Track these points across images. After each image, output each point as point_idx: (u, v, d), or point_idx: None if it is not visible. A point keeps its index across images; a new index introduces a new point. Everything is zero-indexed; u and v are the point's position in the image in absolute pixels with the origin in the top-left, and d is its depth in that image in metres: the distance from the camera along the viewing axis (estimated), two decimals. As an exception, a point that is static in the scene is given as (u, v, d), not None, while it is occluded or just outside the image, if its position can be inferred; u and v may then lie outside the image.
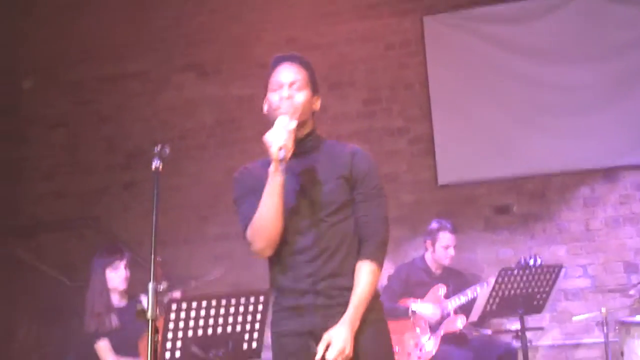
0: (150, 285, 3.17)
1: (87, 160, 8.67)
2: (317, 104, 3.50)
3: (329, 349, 3.14)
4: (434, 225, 6.63)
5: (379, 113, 7.88)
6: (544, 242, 7.39)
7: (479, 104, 7.61)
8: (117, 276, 5.71)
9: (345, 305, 3.25)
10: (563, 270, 5.67)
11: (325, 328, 3.22)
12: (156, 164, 3.40)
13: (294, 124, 3.25)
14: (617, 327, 5.64)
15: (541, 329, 6.57)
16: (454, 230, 6.59)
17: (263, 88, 3.52)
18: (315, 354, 3.18)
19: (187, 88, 8.49)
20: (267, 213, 3.23)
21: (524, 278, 5.46)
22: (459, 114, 7.65)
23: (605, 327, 5.65)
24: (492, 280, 5.66)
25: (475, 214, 7.55)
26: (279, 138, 3.16)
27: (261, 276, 7.93)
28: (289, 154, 3.17)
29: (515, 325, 6.02)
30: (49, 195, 8.69)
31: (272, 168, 3.19)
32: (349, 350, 3.15)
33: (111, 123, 8.66)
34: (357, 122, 7.72)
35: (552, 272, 5.55)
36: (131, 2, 8.71)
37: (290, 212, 3.26)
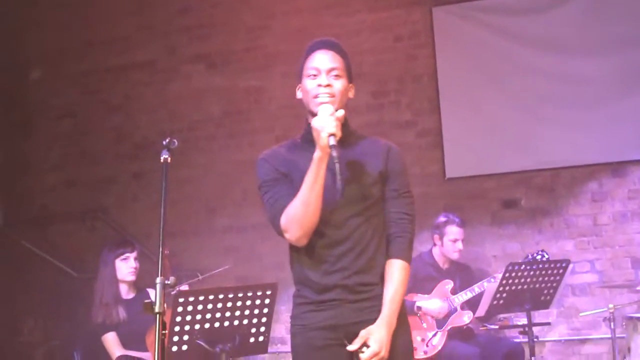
0: (158, 279, 3.17)
1: (95, 151, 8.67)
2: (352, 92, 3.39)
3: (365, 349, 3.11)
4: (442, 219, 6.62)
5: (387, 106, 7.87)
6: (551, 236, 7.38)
7: (488, 96, 7.59)
8: (126, 267, 5.74)
9: (371, 300, 3.23)
10: (571, 265, 5.65)
11: (353, 323, 3.19)
12: (164, 156, 3.40)
13: (342, 112, 3.20)
14: (624, 323, 5.62)
15: (548, 324, 6.54)
16: (462, 224, 6.57)
17: (297, 73, 3.43)
18: (346, 348, 3.15)
19: (195, 79, 8.48)
20: (309, 200, 3.14)
21: (531, 273, 5.46)
22: (468, 106, 7.63)
23: (612, 323, 5.62)
24: (499, 275, 5.66)
25: (483, 208, 7.54)
26: (329, 125, 3.09)
27: (268, 269, 8.02)
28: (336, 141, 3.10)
29: (522, 321, 6.00)
30: (57, 186, 8.70)
31: (318, 154, 3.11)
32: (384, 353, 3.11)
33: (119, 113, 8.66)
34: (366, 115, 7.69)
35: (560, 267, 5.54)
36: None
37: (324, 204, 3.17)
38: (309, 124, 3.28)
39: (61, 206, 8.62)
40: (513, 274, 5.40)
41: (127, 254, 5.75)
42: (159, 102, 8.53)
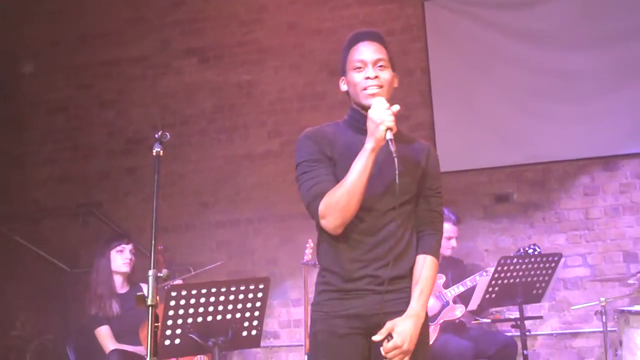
0: (151, 272, 3.17)
1: (88, 146, 8.67)
2: (396, 82, 3.39)
3: (389, 340, 3.11)
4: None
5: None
6: (543, 230, 7.40)
7: (480, 90, 7.61)
8: (122, 258, 5.76)
9: (398, 292, 3.25)
10: (562, 259, 5.66)
11: (377, 314, 3.18)
12: (157, 149, 3.40)
13: (397, 107, 3.18)
14: (615, 317, 5.64)
15: (540, 317, 6.56)
16: (457, 222, 6.55)
17: (340, 66, 3.43)
18: (370, 338, 3.16)
19: (187, 73, 8.47)
20: (354, 190, 3.10)
21: (524, 267, 5.46)
22: (460, 100, 7.65)
23: (604, 317, 5.65)
24: (491, 269, 5.66)
25: (475, 202, 7.56)
26: (387, 119, 3.08)
27: (261, 264, 8.03)
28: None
29: (514, 314, 6.01)
30: (50, 181, 8.70)
31: (370, 145, 3.09)
32: (407, 346, 3.11)
33: (112, 108, 8.66)
34: (358, 109, 7.69)
35: (552, 260, 5.54)
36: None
37: (368, 192, 3.15)
38: (354, 109, 3.34)
39: (54, 201, 8.62)
40: (505, 268, 5.40)
41: (123, 246, 5.79)
42: (152, 96, 8.53)
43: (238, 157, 8.18)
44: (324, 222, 3.19)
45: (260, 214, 8.04)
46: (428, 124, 7.70)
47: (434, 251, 3.33)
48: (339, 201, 3.12)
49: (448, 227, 6.49)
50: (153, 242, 3.25)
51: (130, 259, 5.80)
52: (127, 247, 5.81)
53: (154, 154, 3.40)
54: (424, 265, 3.28)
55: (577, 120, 7.33)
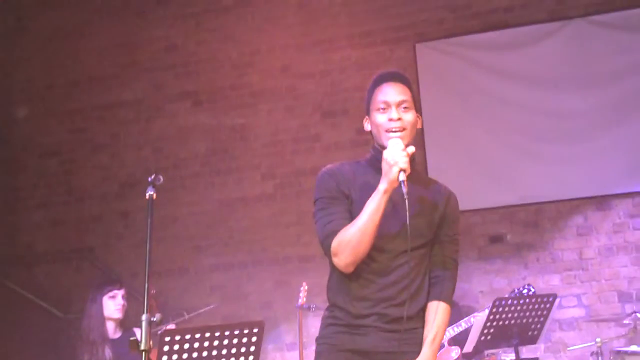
0: (144, 317, 3.15)
1: (81, 189, 8.66)
2: (420, 123, 3.45)
3: None
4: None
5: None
6: (537, 271, 7.39)
7: (472, 131, 7.64)
8: (114, 304, 5.70)
9: (406, 333, 3.24)
10: (557, 299, 5.64)
11: (384, 352, 3.22)
12: (150, 192, 3.40)
13: (412, 148, 3.22)
14: (612, 357, 5.62)
15: (536, 359, 6.54)
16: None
17: (365, 106, 3.45)
18: None
19: (181, 116, 8.50)
20: (367, 229, 3.12)
21: (518, 308, 5.43)
22: (452, 142, 7.68)
23: (600, 357, 5.62)
24: (486, 311, 5.64)
25: (469, 243, 7.54)
26: (401, 160, 3.09)
27: (255, 308, 7.98)
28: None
29: (510, 356, 5.98)
30: (44, 224, 8.67)
31: (383, 186, 3.11)
32: None
33: (105, 152, 8.66)
34: (351, 151, 7.70)
35: (547, 301, 5.52)
36: (124, 30, 8.75)
37: (381, 233, 3.17)
38: (376, 149, 3.35)
39: (47, 245, 8.60)
40: (500, 309, 5.38)
41: (115, 291, 5.72)
42: (145, 140, 8.54)
43: (232, 200, 8.18)
44: (335, 260, 3.21)
45: (254, 257, 8.02)
46: (420, 165, 7.71)
47: (447, 298, 3.34)
48: (351, 240, 3.15)
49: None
50: (146, 285, 3.24)
51: (123, 305, 5.74)
52: (120, 293, 5.75)
53: (147, 197, 3.40)
54: (437, 311, 3.30)
55: (569, 160, 7.36)
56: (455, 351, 6.26)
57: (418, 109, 3.40)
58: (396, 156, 3.10)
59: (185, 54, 8.57)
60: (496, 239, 7.53)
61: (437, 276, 3.35)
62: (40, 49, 8.92)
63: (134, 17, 8.76)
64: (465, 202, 7.45)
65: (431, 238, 3.33)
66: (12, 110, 8.93)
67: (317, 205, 3.33)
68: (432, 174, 7.61)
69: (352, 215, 3.23)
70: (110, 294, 5.71)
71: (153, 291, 5.76)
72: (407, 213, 3.05)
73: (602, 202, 7.36)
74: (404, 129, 3.27)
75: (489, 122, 7.62)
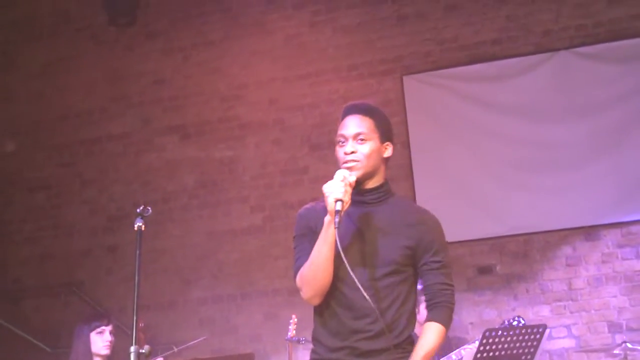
0: (132, 348, 3.14)
1: (69, 224, 8.63)
2: (388, 151, 3.42)
3: None
4: (418, 286, 6.58)
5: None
6: (527, 302, 7.38)
7: (460, 163, 7.66)
8: (101, 340, 5.65)
9: None
10: (547, 330, 5.64)
11: None
12: (139, 223, 3.42)
13: (353, 177, 3.22)
14: (602, 388, 5.61)
15: (527, 390, 6.50)
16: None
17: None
18: None
19: (169, 150, 8.50)
20: (317, 262, 3.21)
21: (509, 339, 5.42)
22: (440, 173, 7.69)
23: (591, 388, 5.61)
24: (476, 342, 5.63)
25: (458, 275, 7.52)
26: (336, 190, 3.14)
27: (245, 341, 7.94)
28: (346, 207, 3.15)
29: (501, 387, 5.95)
30: (32, 259, 8.63)
31: (327, 218, 3.17)
32: None
33: (93, 186, 8.65)
34: (339, 183, 7.72)
35: (536, 332, 5.51)
36: (112, 65, 8.78)
37: (346, 266, 3.14)
38: None
39: (35, 280, 8.55)
40: (490, 340, 5.36)
41: (103, 327, 5.67)
42: (133, 173, 8.54)
43: (220, 232, 8.16)
44: (301, 294, 3.31)
45: (243, 290, 8.00)
46: (409, 197, 7.72)
47: (444, 320, 3.33)
48: (307, 274, 3.27)
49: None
50: (135, 317, 3.24)
51: (110, 341, 5.68)
52: (107, 329, 5.69)
53: (136, 228, 3.41)
54: (430, 329, 3.31)
55: (557, 191, 7.38)
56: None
57: (385, 138, 3.40)
58: (332, 187, 3.15)
59: (173, 87, 8.59)
60: (485, 270, 7.53)
61: (435, 302, 3.35)
62: (28, 83, 8.94)
63: (122, 51, 8.79)
64: (453, 234, 7.48)
65: (403, 267, 3.31)
66: (0, 144, 8.91)
67: (294, 244, 3.47)
68: (420, 204, 7.58)
69: None
70: (98, 329, 5.65)
71: (141, 324, 5.73)
72: (338, 244, 3.09)
73: (590, 232, 7.36)
74: (357, 161, 3.30)
75: (477, 153, 7.64)
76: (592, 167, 7.35)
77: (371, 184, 3.36)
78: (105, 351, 5.66)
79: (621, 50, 7.45)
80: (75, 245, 8.54)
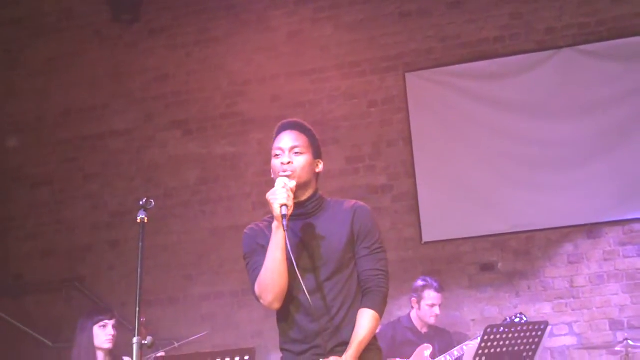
0: (135, 339, 3.16)
1: (71, 219, 8.63)
2: (319, 167, 3.64)
3: None
4: (420, 282, 6.61)
5: (362, 170, 7.91)
6: (529, 299, 7.38)
7: (463, 160, 7.66)
8: (104, 334, 5.65)
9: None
10: (549, 327, 5.65)
11: None
12: (141, 216, 3.44)
13: (293, 183, 3.40)
14: (603, 385, 5.61)
15: (528, 387, 6.51)
16: (440, 289, 6.55)
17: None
18: None
19: (171, 146, 8.50)
20: (272, 266, 3.35)
21: (510, 336, 5.44)
22: (443, 170, 7.69)
23: (592, 385, 5.61)
24: (478, 339, 5.64)
25: (460, 272, 7.55)
26: (279, 196, 3.31)
27: (246, 337, 7.94)
28: (290, 210, 3.30)
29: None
30: (34, 254, 8.64)
31: (275, 224, 3.33)
32: None
33: (96, 181, 8.65)
34: (341, 180, 7.73)
35: (538, 329, 5.53)
36: (115, 61, 8.77)
37: (296, 273, 3.30)
38: None
39: (37, 275, 8.56)
40: (492, 337, 5.39)
41: (106, 321, 5.67)
42: (136, 169, 8.54)
43: (222, 229, 8.16)
44: (261, 302, 3.46)
45: (244, 286, 7.95)
46: (411, 194, 7.73)
47: (375, 306, 3.46)
48: (262, 280, 3.42)
49: (431, 295, 6.50)
50: (137, 309, 3.26)
51: (113, 335, 5.69)
52: (110, 323, 5.70)
53: (139, 221, 3.43)
54: (362, 316, 3.43)
55: (560, 189, 7.38)
56: (427, 350, 6.27)
57: (317, 154, 3.63)
58: (276, 194, 3.34)
59: (176, 83, 8.59)
60: (487, 267, 7.53)
61: (366, 289, 3.49)
62: (31, 80, 8.94)
63: (126, 48, 8.79)
64: (456, 231, 7.59)
65: (347, 260, 3.48)
66: (3, 141, 8.92)
67: (246, 261, 3.62)
68: (423, 202, 7.64)
69: None
70: (101, 323, 5.66)
71: (143, 319, 5.73)
72: (288, 246, 3.27)
73: (592, 230, 7.37)
74: (293, 171, 3.47)
75: (479, 151, 7.64)
76: (595, 164, 7.36)
77: (306, 195, 3.54)
78: (108, 345, 5.67)
79: (624, 49, 7.44)
80: (78, 240, 8.55)
